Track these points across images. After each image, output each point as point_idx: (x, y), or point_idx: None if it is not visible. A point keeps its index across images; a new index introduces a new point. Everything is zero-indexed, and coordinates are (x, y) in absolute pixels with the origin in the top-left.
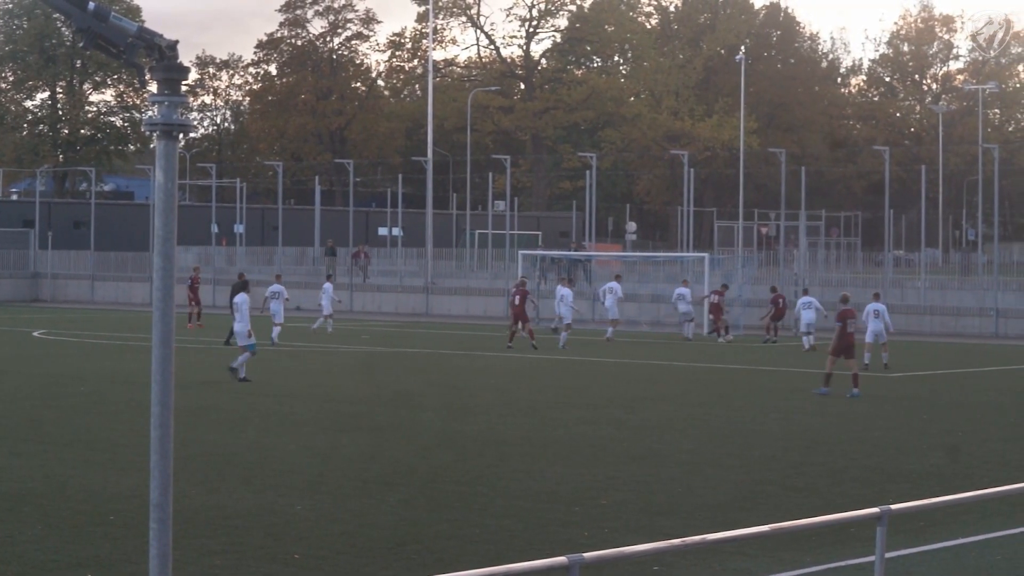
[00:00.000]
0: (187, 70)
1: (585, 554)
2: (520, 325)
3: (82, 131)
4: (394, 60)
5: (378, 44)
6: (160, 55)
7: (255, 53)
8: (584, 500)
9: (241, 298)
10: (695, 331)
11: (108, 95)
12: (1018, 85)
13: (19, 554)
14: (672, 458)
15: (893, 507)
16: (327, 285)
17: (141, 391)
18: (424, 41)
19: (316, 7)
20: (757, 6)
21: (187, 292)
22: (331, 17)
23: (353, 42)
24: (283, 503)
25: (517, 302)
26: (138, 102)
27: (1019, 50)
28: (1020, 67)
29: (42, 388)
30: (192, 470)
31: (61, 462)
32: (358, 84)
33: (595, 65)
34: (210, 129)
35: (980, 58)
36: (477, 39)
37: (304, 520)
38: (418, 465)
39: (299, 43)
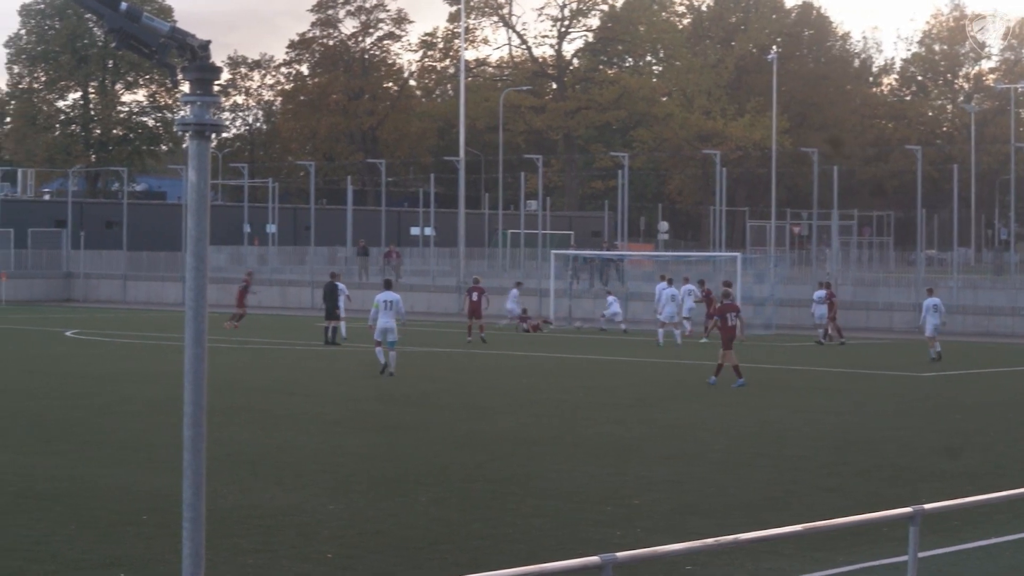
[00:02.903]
0: (219, 70)
1: (618, 554)
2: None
3: (114, 131)
4: (426, 60)
5: (410, 44)
6: (192, 55)
7: (287, 53)
8: (616, 499)
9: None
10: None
11: (140, 95)
12: None
13: (52, 553)
14: (704, 458)
15: (926, 506)
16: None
17: (173, 390)
18: (456, 41)
19: (348, 7)
20: (789, 5)
21: (237, 294)
22: (363, 17)
23: (385, 42)
24: (315, 502)
25: (475, 298)
26: (170, 102)
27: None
28: None
29: (74, 387)
30: (224, 470)
31: (94, 462)
32: (390, 84)
33: (627, 65)
34: (242, 129)
35: (1011, 57)
36: (509, 39)
37: (336, 519)
38: (450, 464)
39: (331, 43)
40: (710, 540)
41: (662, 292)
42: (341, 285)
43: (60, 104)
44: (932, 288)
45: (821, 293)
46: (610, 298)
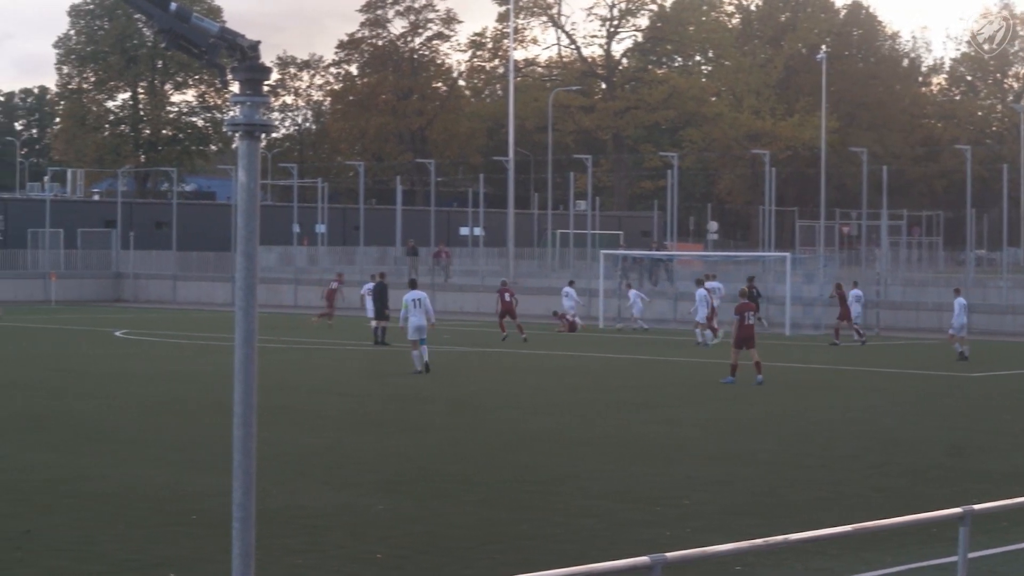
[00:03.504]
0: (269, 70)
1: (667, 554)
2: (508, 319)
3: (163, 131)
4: (475, 60)
5: (459, 44)
6: (242, 55)
7: (336, 53)
8: (665, 500)
9: (410, 296)
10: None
11: (189, 95)
12: None
13: (101, 553)
14: (752, 458)
15: (976, 507)
16: (368, 285)
17: (222, 391)
18: (505, 41)
19: (397, 7)
20: (838, 5)
21: (326, 294)
22: (412, 17)
23: (434, 42)
24: (364, 502)
25: (508, 298)
26: (219, 102)
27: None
28: None
29: (123, 388)
30: (273, 470)
31: (143, 462)
32: (439, 84)
33: (676, 64)
34: (291, 129)
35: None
36: (558, 39)
37: (385, 520)
38: (498, 464)
39: (380, 43)
40: (759, 540)
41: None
42: (369, 284)
43: (109, 104)
44: (959, 288)
45: (858, 293)
46: (632, 293)
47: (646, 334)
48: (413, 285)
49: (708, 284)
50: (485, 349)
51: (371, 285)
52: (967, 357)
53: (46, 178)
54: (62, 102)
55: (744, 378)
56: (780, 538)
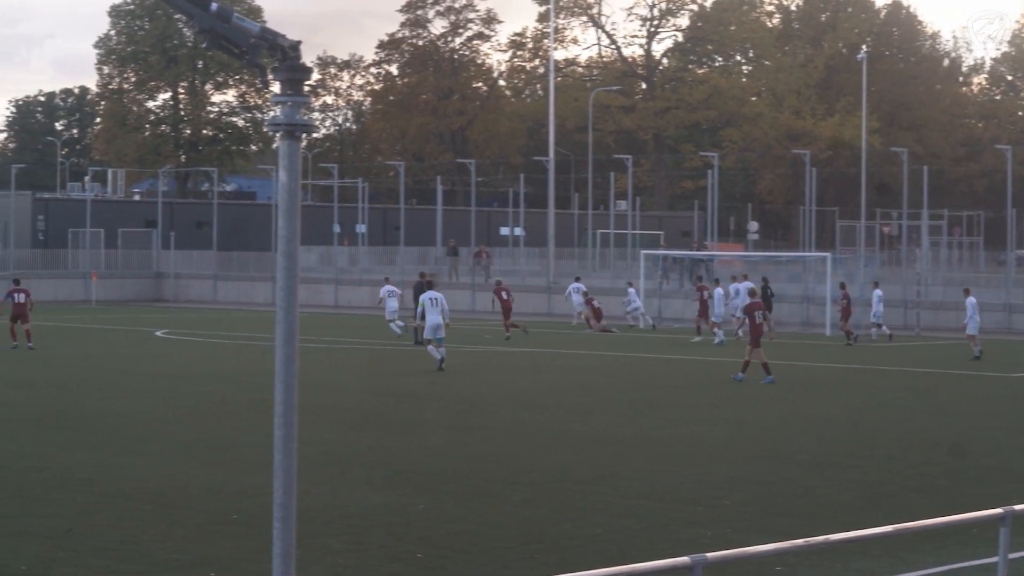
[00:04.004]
0: (310, 70)
1: (708, 554)
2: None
3: (204, 131)
4: (515, 60)
5: (499, 44)
6: (283, 55)
7: (376, 53)
8: (705, 500)
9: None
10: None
11: (230, 95)
12: None
13: (143, 553)
14: (792, 458)
15: (1016, 507)
16: (387, 287)
17: (262, 390)
18: (545, 41)
19: (437, 7)
20: (878, 5)
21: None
22: (452, 17)
23: (474, 42)
24: (404, 502)
25: (505, 296)
26: (259, 102)
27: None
28: None
29: (164, 387)
30: (314, 469)
31: (183, 461)
32: (479, 84)
33: (716, 64)
34: (332, 129)
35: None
36: (598, 39)
37: (426, 519)
38: (538, 465)
39: (420, 43)
40: (800, 541)
41: (732, 289)
42: (390, 287)
43: (150, 104)
44: (969, 288)
45: (879, 293)
46: (631, 290)
47: (674, 333)
48: (430, 286)
49: (740, 284)
50: (525, 349)
51: (389, 288)
52: (979, 358)
53: (87, 178)
54: (103, 102)
55: (752, 376)
56: (821, 538)
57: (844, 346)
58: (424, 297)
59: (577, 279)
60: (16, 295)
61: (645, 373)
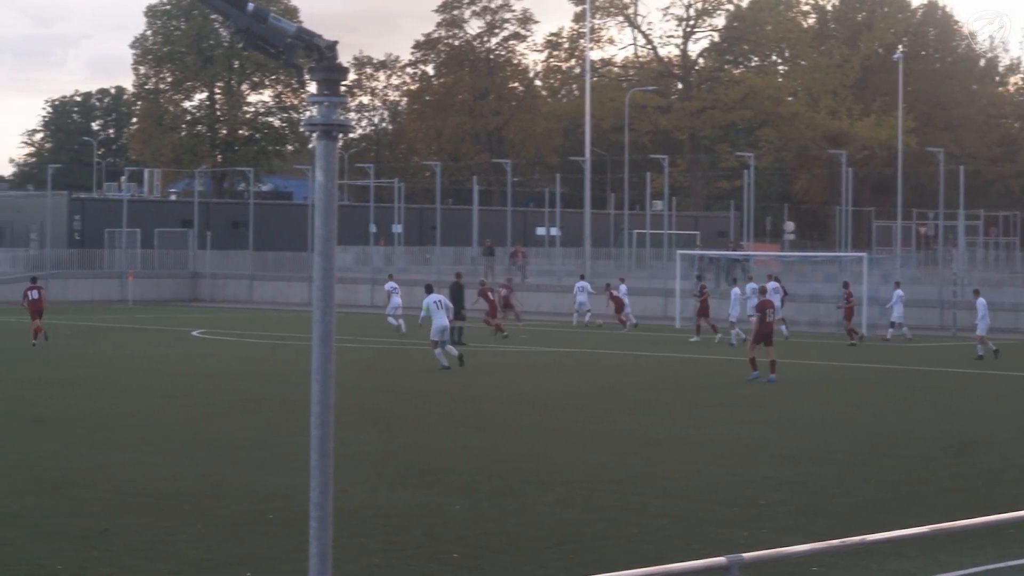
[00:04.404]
0: (346, 70)
1: (744, 554)
2: (502, 314)
3: (240, 131)
4: (551, 60)
5: (535, 44)
6: (319, 55)
7: (412, 53)
8: (741, 500)
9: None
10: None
11: (266, 95)
12: None
13: (178, 552)
14: (827, 458)
15: None
16: (390, 284)
17: (298, 390)
18: (581, 41)
19: (473, 7)
20: (914, 5)
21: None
22: (488, 17)
23: (510, 42)
24: (441, 503)
25: (504, 293)
26: (296, 102)
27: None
28: None
29: (200, 387)
30: (350, 469)
31: (218, 461)
32: (515, 84)
33: (752, 64)
34: (368, 129)
35: None
36: (634, 39)
37: (462, 519)
38: (574, 465)
39: (456, 43)
40: (836, 541)
41: (747, 289)
42: (392, 283)
43: (186, 104)
44: (979, 290)
45: (900, 293)
46: (579, 284)
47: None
48: (430, 290)
49: (768, 284)
50: (561, 349)
51: (392, 284)
52: (983, 358)
53: (123, 178)
54: (139, 102)
55: (747, 373)
56: (857, 539)
57: (848, 346)
58: (428, 300)
59: (582, 277)
60: (31, 292)
61: (668, 373)
